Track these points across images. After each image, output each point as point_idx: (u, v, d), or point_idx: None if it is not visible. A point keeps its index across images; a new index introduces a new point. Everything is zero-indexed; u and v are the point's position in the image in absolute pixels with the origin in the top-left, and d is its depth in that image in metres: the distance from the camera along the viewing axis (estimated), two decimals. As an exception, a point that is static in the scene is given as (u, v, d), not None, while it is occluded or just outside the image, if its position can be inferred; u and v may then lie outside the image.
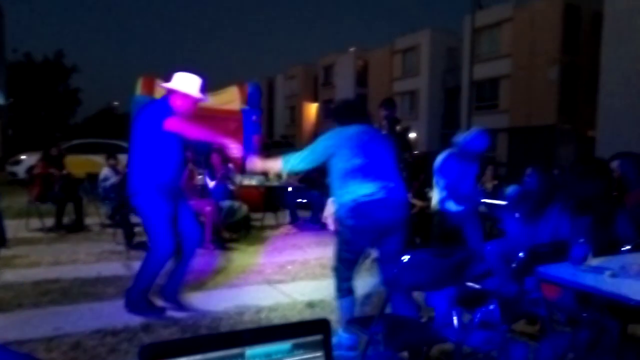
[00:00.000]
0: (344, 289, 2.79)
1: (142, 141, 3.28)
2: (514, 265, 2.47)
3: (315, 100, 41.69)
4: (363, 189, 2.66)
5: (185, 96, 3.31)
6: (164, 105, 3.30)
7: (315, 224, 7.50)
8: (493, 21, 24.78)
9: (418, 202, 5.84)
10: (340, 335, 2.74)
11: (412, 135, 30.41)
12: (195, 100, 3.39)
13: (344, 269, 2.80)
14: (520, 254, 2.45)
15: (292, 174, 7.07)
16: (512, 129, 24.21)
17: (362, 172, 2.68)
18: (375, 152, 2.76)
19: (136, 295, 3.38)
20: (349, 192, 2.69)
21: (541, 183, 3.77)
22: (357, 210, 2.66)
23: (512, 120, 24.24)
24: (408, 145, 6.74)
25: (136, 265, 4.81)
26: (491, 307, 2.40)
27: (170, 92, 3.35)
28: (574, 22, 22.25)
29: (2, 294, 3.77)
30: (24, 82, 33.47)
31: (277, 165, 2.99)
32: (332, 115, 3.01)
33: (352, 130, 2.80)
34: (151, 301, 3.43)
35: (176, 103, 3.29)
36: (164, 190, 3.26)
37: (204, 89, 3.44)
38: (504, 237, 3.82)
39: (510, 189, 6.04)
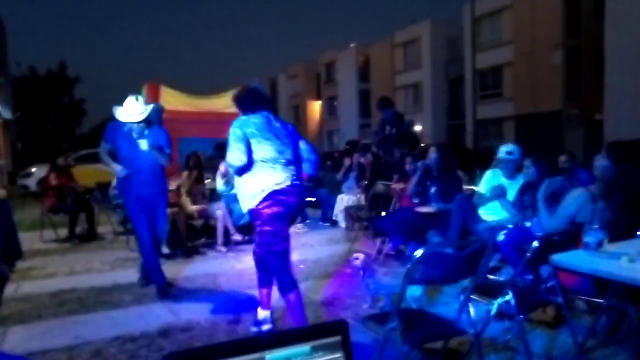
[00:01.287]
0: (289, 282, 2.84)
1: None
2: (528, 254, 2.45)
3: (318, 98, 41.67)
4: (273, 179, 2.75)
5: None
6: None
7: (325, 222, 7.51)
8: (493, 9, 24.58)
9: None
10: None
11: (418, 128, 30.31)
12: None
13: (282, 261, 2.83)
14: (535, 243, 2.43)
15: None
16: (518, 117, 24.02)
17: (271, 162, 2.76)
18: (277, 139, 2.83)
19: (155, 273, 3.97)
20: (261, 181, 2.76)
21: (542, 172, 3.75)
22: (273, 199, 2.73)
23: (517, 108, 24.05)
24: (416, 140, 6.71)
25: (150, 271, 4.87)
26: (507, 297, 2.39)
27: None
28: (575, 4, 21.99)
29: (22, 305, 3.82)
30: (30, 95, 33.76)
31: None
32: (237, 105, 3.06)
33: (254, 119, 2.85)
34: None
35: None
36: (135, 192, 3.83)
37: (146, 101, 4.06)
38: (517, 227, 3.79)
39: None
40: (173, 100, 7.41)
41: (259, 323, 3.18)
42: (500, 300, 2.40)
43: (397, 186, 5.90)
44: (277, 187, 2.75)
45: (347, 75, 36.84)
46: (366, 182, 7.23)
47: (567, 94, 22.22)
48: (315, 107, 41.91)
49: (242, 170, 2.79)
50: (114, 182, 6.70)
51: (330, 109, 40.02)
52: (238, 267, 4.94)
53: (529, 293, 2.68)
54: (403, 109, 32.04)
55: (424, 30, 30.00)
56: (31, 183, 13.11)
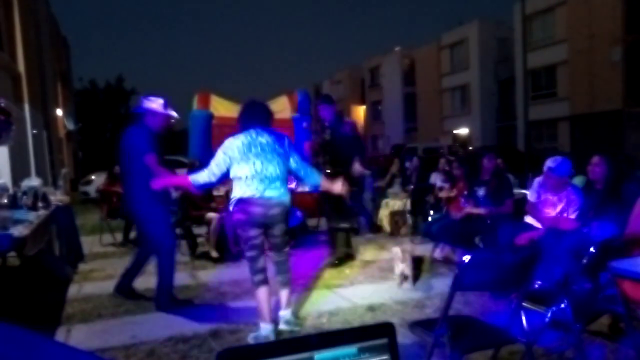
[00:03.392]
0: (256, 281, 3.20)
1: (134, 162, 3.72)
2: (585, 260, 2.34)
3: (362, 102, 41.58)
4: (244, 191, 3.13)
5: (158, 115, 3.82)
6: (143, 130, 3.77)
7: (369, 227, 7.48)
8: (545, 6, 23.63)
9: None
10: (259, 328, 3.18)
11: (465, 130, 29.58)
12: (166, 117, 3.90)
13: (252, 262, 3.22)
14: (592, 249, 2.32)
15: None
16: (573, 117, 22.89)
17: (248, 178, 3.13)
18: (259, 157, 3.15)
19: (165, 298, 3.85)
20: (236, 192, 3.18)
21: (609, 171, 3.55)
22: (238, 207, 3.16)
23: (573, 108, 22.93)
24: (362, 145, 5.52)
25: (201, 274, 5.04)
26: (563, 305, 2.29)
27: (143, 113, 3.83)
28: (636, -3, 20.74)
29: (84, 305, 4.06)
30: (90, 107, 35.94)
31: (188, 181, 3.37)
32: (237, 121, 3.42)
33: (240, 139, 3.19)
34: (176, 297, 3.95)
35: (152, 123, 3.81)
36: (158, 198, 3.73)
37: (167, 105, 3.90)
38: (573, 231, 3.62)
39: (577, 181, 5.74)
40: (222, 108, 7.65)
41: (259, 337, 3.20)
42: (554, 308, 2.30)
43: (446, 192, 5.79)
44: (245, 197, 3.12)
45: (392, 79, 36.54)
46: (412, 186, 7.15)
47: (628, 91, 20.94)
48: (360, 112, 41.84)
49: (206, 185, 3.33)
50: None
51: (374, 114, 39.82)
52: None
53: (586, 301, 2.55)
54: (450, 112, 31.62)
55: (471, 31, 29.29)
56: (91, 190, 13.90)
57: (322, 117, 5.16)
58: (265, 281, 3.21)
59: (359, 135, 5.17)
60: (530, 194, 4.15)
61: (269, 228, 3.23)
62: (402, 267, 4.26)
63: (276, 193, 3.17)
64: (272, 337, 3.13)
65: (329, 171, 5.02)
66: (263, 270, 3.22)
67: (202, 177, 3.23)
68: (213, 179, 3.22)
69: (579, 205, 3.79)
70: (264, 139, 3.21)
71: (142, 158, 3.63)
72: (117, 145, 3.85)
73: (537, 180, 4.09)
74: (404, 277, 4.24)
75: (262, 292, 3.18)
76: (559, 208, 3.88)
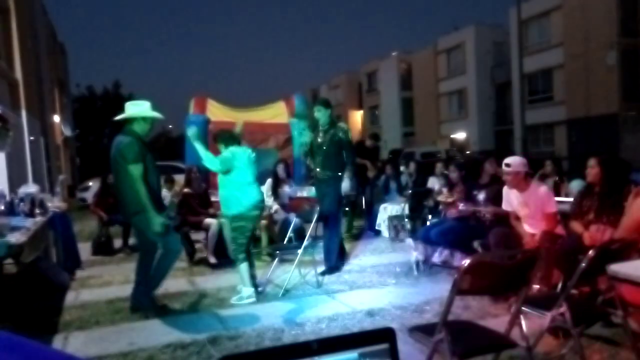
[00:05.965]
0: (242, 258, 4.12)
1: (126, 170, 3.61)
2: (583, 264, 2.34)
3: (360, 107, 41.65)
4: (255, 194, 4.14)
5: (145, 119, 3.78)
6: (130, 136, 3.70)
7: (369, 232, 7.48)
8: (541, 10, 23.77)
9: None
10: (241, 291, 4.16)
11: (462, 135, 29.64)
12: (153, 120, 3.88)
13: (241, 247, 4.13)
14: (590, 252, 2.32)
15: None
16: (570, 121, 22.99)
17: (251, 183, 4.14)
18: (250, 167, 4.17)
19: (146, 294, 3.87)
20: (249, 196, 4.08)
21: (606, 173, 3.56)
22: (253, 207, 4.10)
23: (569, 112, 23.02)
24: (354, 150, 5.37)
25: (199, 280, 5.02)
26: (561, 309, 2.29)
27: (131, 119, 3.75)
28: (631, 1, 20.88)
29: (82, 312, 4.04)
30: (87, 113, 35.90)
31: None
32: (219, 140, 4.34)
33: (239, 151, 4.17)
34: (154, 299, 3.98)
35: (139, 128, 3.76)
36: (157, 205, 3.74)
37: (151, 109, 3.87)
38: (571, 235, 3.63)
39: (574, 184, 5.75)
40: (219, 112, 7.65)
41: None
42: (553, 312, 2.30)
43: (444, 197, 5.79)
44: (255, 200, 4.17)
45: (389, 83, 36.65)
46: (409, 191, 7.15)
47: (624, 95, 21.06)
48: (357, 117, 41.90)
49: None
50: (162, 194, 6.97)
51: (372, 118, 39.89)
52: (282, 276, 5.00)
53: (585, 306, 2.55)
54: (447, 116, 31.70)
55: (468, 36, 29.43)
56: (88, 196, 13.84)
57: (317, 120, 5.18)
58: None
59: (351, 141, 5.20)
60: (504, 205, 4.16)
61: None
62: (416, 254, 4.99)
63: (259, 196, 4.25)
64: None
65: (319, 174, 5.10)
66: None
67: (209, 162, 4.17)
68: (212, 167, 4.19)
69: (549, 196, 3.87)
70: (248, 154, 4.17)
71: (130, 166, 3.57)
72: (108, 154, 3.78)
73: (504, 188, 4.12)
74: (417, 264, 4.96)
75: (246, 266, 4.16)
76: (532, 208, 3.89)
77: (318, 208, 4.94)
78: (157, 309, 3.87)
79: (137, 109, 3.78)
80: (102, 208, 6.96)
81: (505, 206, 4.15)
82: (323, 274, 4.91)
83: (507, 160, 3.96)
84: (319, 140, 5.10)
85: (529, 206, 3.91)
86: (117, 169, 3.70)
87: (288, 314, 3.78)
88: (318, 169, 5.12)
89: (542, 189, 3.95)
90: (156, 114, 3.87)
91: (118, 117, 3.85)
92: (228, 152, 4.16)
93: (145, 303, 3.87)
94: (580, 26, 21.87)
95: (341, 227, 5.65)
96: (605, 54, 21.00)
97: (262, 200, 4.31)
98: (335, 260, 5.13)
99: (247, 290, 4.14)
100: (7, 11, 9.93)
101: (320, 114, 5.07)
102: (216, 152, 4.30)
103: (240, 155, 4.15)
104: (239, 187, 4.09)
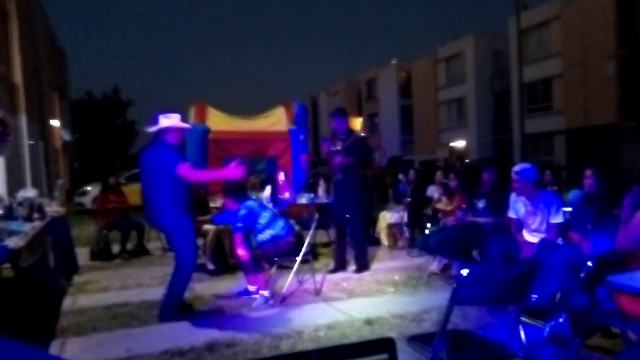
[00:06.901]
0: None
1: (160, 177, 3.82)
2: (582, 274, 2.34)
3: (359, 114, 41.73)
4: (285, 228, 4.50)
5: (178, 130, 3.98)
6: (166, 146, 3.90)
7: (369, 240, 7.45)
8: (540, 20, 23.94)
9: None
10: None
11: (461, 143, 29.71)
12: (184, 130, 4.14)
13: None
14: (589, 263, 2.32)
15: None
16: (569, 131, 23.06)
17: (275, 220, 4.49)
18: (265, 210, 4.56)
19: (171, 310, 3.86)
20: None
21: (603, 185, 3.58)
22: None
23: (568, 122, 23.11)
24: (368, 152, 6.11)
25: (197, 286, 5.00)
26: (561, 320, 2.29)
27: (164, 130, 3.93)
28: (629, 13, 21.04)
29: (79, 318, 4.02)
30: (87, 118, 35.92)
31: None
32: (229, 195, 4.54)
33: (253, 205, 4.46)
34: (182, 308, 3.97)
35: (172, 138, 3.95)
36: (184, 209, 3.92)
37: (183, 119, 4.13)
38: (570, 245, 3.63)
39: (573, 194, 5.76)
40: (219, 121, 7.64)
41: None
42: (552, 322, 2.30)
43: (444, 205, 5.79)
44: None
45: (389, 91, 36.77)
46: (408, 199, 7.15)
47: (622, 106, 21.15)
48: (357, 124, 41.87)
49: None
50: None
51: (371, 126, 39.96)
52: (280, 283, 4.98)
53: (585, 316, 2.54)
54: (446, 124, 31.79)
55: (467, 45, 29.59)
56: (86, 201, 13.82)
57: (335, 129, 5.51)
58: None
59: (368, 146, 5.67)
60: (510, 212, 4.16)
61: None
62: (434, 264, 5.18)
63: None
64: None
65: (338, 180, 5.43)
66: None
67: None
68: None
69: (558, 206, 3.85)
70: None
71: (175, 171, 3.75)
72: (141, 164, 3.98)
73: (512, 195, 4.12)
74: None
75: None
76: (539, 217, 3.90)
77: (317, 216, 4.98)
78: (185, 315, 3.92)
79: (170, 121, 3.95)
80: (103, 212, 6.95)
81: (510, 214, 4.14)
82: (357, 271, 5.31)
83: (517, 167, 3.97)
84: (338, 147, 5.38)
85: (536, 214, 3.91)
86: (152, 178, 3.87)
87: (286, 322, 3.76)
88: (338, 175, 5.41)
89: (552, 199, 3.92)
90: (186, 125, 4.16)
91: (152, 129, 4.00)
92: (244, 209, 4.37)
93: (171, 316, 3.85)
94: (579, 36, 22.02)
95: (364, 229, 5.94)
96: (604, 64, 21.13)
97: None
98: (365, 260, 5.51)
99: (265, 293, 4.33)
100: (7, 15, 9.97)
101: (338, 124, 5.44)
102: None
103: (255, 207, 4.46)
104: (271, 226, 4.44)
